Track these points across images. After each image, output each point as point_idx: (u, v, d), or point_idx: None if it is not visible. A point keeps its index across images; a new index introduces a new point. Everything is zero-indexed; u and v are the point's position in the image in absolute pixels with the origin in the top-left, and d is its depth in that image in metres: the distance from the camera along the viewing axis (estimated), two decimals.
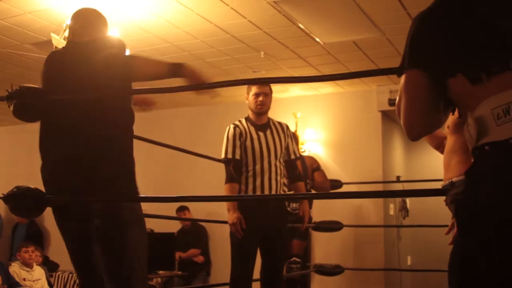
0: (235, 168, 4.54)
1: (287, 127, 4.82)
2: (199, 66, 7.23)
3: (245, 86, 4.73)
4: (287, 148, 4.76)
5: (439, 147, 4.09)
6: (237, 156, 4.55)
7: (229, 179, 4.54)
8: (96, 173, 2.82)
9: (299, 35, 6.33)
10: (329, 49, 6.81)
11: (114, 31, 5.41)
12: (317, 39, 6.46)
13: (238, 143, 4.56)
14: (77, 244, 2.91)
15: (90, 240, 2.87)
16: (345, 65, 7.32)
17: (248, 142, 4.56)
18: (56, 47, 5.26)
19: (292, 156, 4.81)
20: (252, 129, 4.62)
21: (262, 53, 6.89)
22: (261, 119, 4.67)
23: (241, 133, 4.59)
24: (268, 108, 4.68)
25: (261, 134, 4.60)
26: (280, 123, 4.79)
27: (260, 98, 4.61)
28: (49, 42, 5.49)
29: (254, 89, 4.63)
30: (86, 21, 3.13)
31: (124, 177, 2.88)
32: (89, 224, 2.79)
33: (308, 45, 6.65)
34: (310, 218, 6.75)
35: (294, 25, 6.05)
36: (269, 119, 4.74)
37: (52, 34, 5.25)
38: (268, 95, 4.65)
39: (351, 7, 5.57)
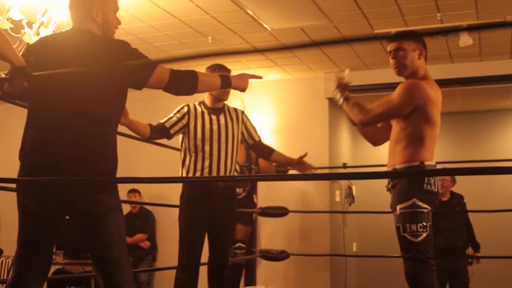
0: (158, 130, 4.52)
1: (242, 112, 4.82)
2: (146, 51, 7.17)
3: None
4: (248, 132, 4.79)
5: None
6: (171, 131, 4.55)
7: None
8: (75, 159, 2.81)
9: (247, 20, 6.32)
10: (277, 35, 6.81)
11: (58, 14, 5.32)
12: (265, 25, 6.45)
13: (181, 123, 4.55)
14: (44, 227, 2.87)
15: (57, 225, 2.90)
16: (293, 52, 7.33)
17: (199, 123, 4.53)
18: None
19: (257, 138, 4.85)
20: (205, 111, 4.60)
21: (209, 38, 6.85)
22: (217, 104, 4.67)
23: (189, 111, 4.57)
24: None
25: (214, 117, 4.58)
26: (235, 109, 4.78)
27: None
28: None
29: None
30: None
31: (102, 166, 2.89)
32: (70, 208, 2.80)
33: (256, 31, 6.64)
34: (255, 204, 6.79)
35: (242, 10, 6.03)
36: (224, 104, 4.73)
37: None
38: None
39: None
